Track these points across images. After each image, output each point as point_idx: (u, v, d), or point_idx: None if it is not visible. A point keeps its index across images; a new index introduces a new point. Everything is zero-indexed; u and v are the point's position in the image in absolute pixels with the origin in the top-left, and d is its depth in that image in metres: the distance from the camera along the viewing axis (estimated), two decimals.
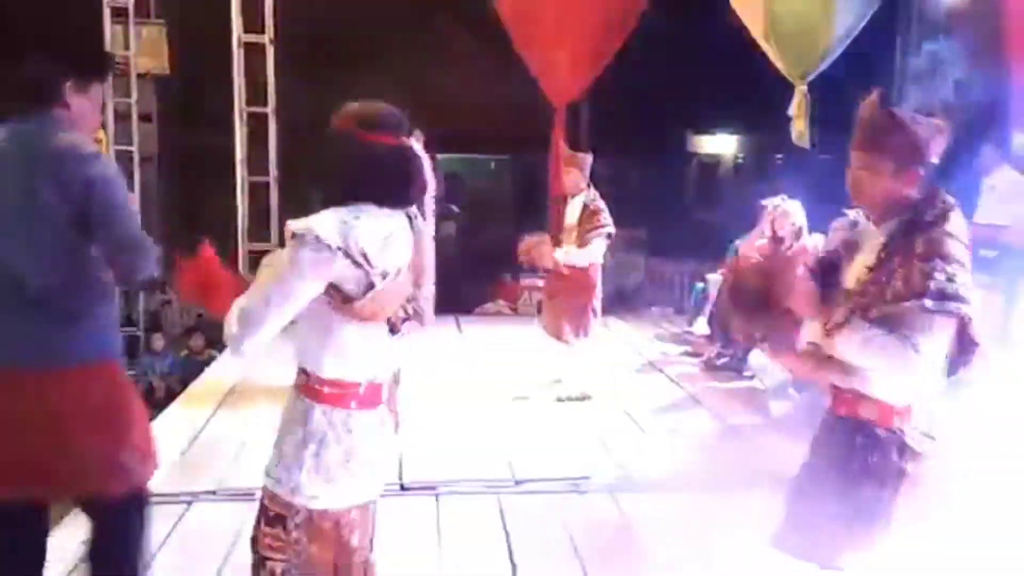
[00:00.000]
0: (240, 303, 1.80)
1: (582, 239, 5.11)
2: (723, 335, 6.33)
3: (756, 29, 6.61)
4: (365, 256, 1.78)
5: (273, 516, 1.89)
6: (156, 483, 3.80)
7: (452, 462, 4.15)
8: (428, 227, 2.01)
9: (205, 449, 4.33)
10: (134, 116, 7.91)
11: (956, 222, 1.98)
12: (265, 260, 1.94)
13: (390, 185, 1.87)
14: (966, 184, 5.32)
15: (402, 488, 3.78)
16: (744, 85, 8.19)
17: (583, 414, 5.04)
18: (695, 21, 8.88)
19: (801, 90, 6.62)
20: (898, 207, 2.03)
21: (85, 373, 2.25)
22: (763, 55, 6.69)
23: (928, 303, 1.88)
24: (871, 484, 2.02)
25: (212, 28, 7.99)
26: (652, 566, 3.20)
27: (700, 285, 7.64)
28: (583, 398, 5.21)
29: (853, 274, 2.10)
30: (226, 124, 8.05)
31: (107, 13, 7.66)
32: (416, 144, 1.91)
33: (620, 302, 8.56)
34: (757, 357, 5.91)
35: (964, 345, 1.97)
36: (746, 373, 5.99)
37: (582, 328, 5.20)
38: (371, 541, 2.02)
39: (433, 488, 3.79)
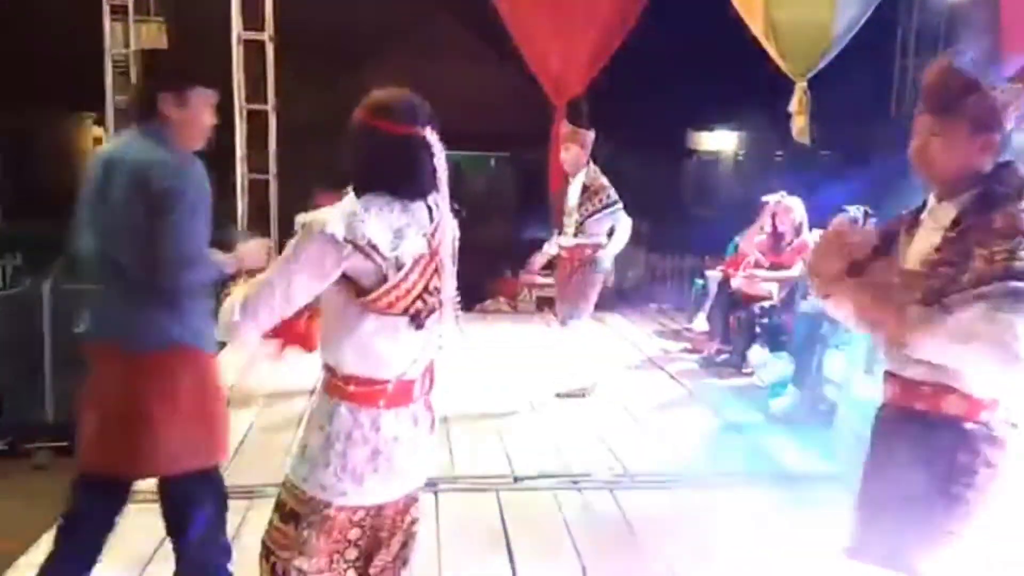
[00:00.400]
0: (243, 291, 1.81)
1: (585, 222, 4.98)
2: (722, 331, 6.34)
3: (756, 26, 6.61)
4: (375, 247, 1.77)
5: (288, 512, 1.89)
6: (156, 480, 3.83)
7: (451, 459, 4.16)
8: (448, 219, 1.96)
9: None
10: None
11: None
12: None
13: (398, 173, 1.85)
14: None
15: None
16: (744, 82, 8.20)
17: (582, 411, 5.04)
18: (695, 18, 8.88)
19: (801, 86, 6.62)
20: (968, 179, 1.89)
21: (169, 358, 2.43)
22: (763, 52, 6.68)
23: (1014, 284, 1.71)
24: (960, 482, 1.86)
25: (211, 25, 7.99)
26: (651, 563, 3.20)
27: (700, 282, 7.64)
28: (583, 394, 5.20)
29: (915, 254, 1.93)
30: (226, 121, 8.03)
31: (106, 10, 7.66)
32: (432, 134, 1.87)
33: (620, 298, 8.56)
34: (756, 353, 5.92)
35: None
36: (745, 370, 5.99)
37: (576, 310, 5.09)
38: (397, 538, 2.00)
39: (433, 485, 3.79)
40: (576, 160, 5.06)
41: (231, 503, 3.57)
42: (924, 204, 2.01)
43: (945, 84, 1.90)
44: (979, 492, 1.86)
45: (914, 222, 2.00)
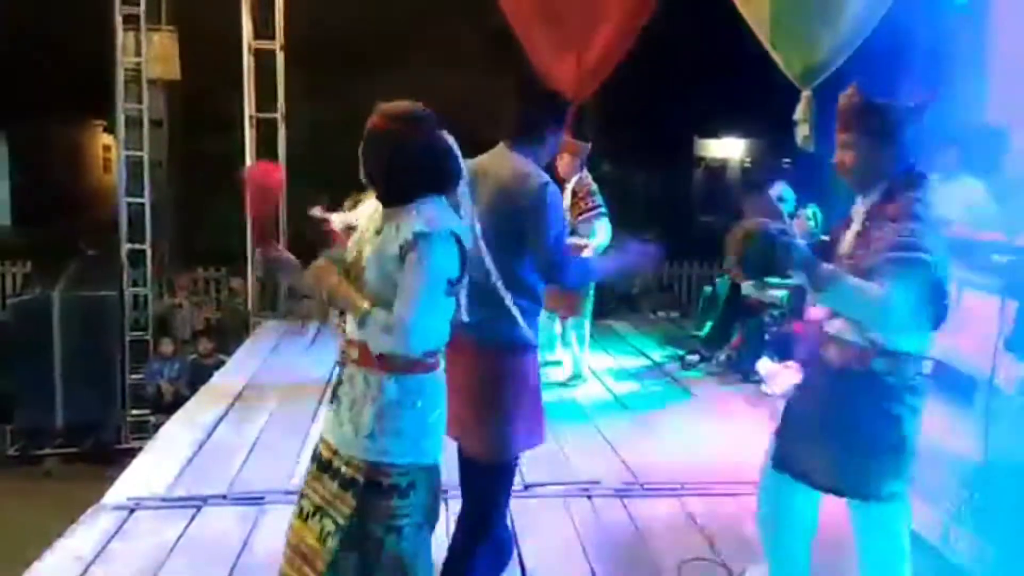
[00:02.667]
0: (393, 310, 2.01)
1: (573, 225, 5.16)
2: (731, 339, 6.33)
3: (762, 33, 6.60)
4: (461, 240, 2.09)
5: (405, 488, 2.15)
6: (166, 487, 3.85)
7: None
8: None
9: (214, 453, 4.35)
10: (145, 121, 7.97)
11: (926, 189, 2.29)
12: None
13: (446, 175, 2.15)
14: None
15: None
16: (752, 89, 8.20)
17: (590, 417, 5.03)
18: (702, 25, 8.90)
19: (806, 95, 6.59)
20: (876, 182, 2.34)
21: (498, 354, 2.70)
22: (770, 59, 6.67)
23: (894, 254, 2.14)
24: (899, 425, 2.31)
25: (222, 34, 8.06)
26: (662, 571, 3.19)
27: (707, 289, 7.63)
28: (576, 379, 5.40)
29: (846, 245, 2.41)
30: (236, 129, 8.10)
31: (119, 20, 7.73)
32: (451, 137, 2.16)
33: (627, 306, 8.56)
34: (765, 365, 5.90)
35: (937, 295, 2.22)
36: (754, 377, 5.97)
37: (570, 307, 5.28)
38: None
39: (443, 492, 3.78)
40: (567, 168, 5.32)
41: (242, 510, 3.61)
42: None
43: (850, 107, 2.35)
44: (915, 429, 2.34)
45: (849, 220, 2.47)
